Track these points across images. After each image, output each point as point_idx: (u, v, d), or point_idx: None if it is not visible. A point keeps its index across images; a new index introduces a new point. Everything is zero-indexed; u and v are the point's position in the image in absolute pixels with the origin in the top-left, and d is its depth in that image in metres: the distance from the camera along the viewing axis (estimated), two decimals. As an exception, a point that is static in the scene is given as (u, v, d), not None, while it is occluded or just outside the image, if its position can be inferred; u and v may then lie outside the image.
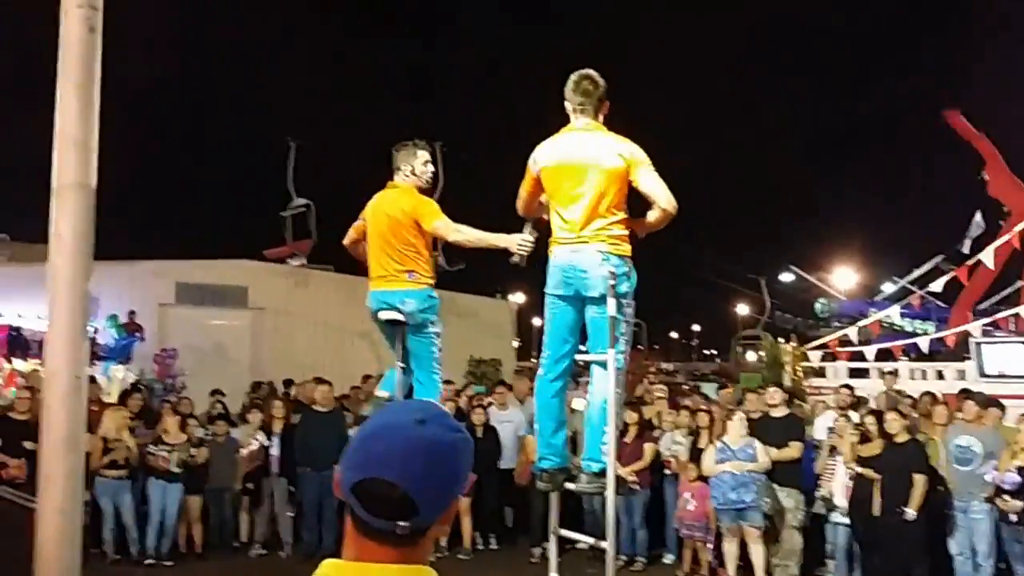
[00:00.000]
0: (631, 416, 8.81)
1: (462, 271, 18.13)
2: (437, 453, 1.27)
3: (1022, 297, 17.90)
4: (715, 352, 70.09)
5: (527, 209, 4.32)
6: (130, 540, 8.49)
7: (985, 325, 15.02)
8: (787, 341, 14.79)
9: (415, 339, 4.88)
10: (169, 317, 16.73)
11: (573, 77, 4.07)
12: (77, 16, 2.76)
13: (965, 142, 20.18)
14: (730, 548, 8.10)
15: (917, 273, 24.83)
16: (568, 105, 4.10)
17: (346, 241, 5.25)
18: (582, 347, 4.27)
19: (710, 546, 8.35)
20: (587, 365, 4.26)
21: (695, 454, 8.53)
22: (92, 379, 10.63)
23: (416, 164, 4.93)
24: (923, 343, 15.93)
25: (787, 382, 12.82)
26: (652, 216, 4.08)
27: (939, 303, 22.19)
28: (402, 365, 4.96)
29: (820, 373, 14.96)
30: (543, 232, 4.31)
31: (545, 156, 4.09)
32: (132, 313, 15.38)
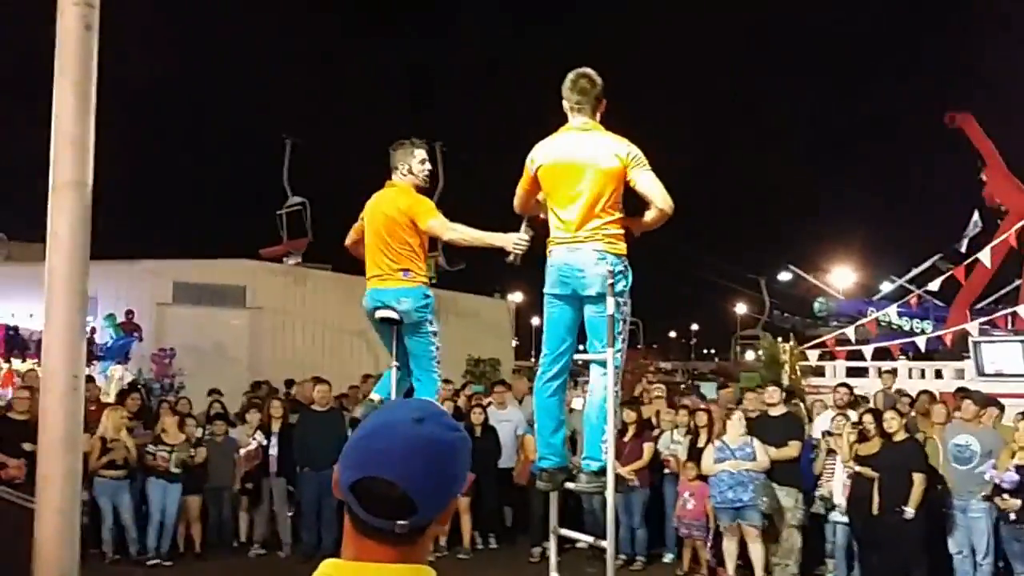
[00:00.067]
0: (630, 415, 8.81)
1: (462, 271, 18.14)
2: (435, 452, 1.27)
3: (1020, 296, 17.92)
4: (714, 351, 70.18)
5: (524, 207, 4.33)
6: (129, 540, 8.48)
7: (983, 324, 15.04)
8: (785, 340, 14.79)
9: (412, 338, 4.88)
10: (167, 317, 16.71)
11: (570, 75, 4.07)
12: (74, 14, 2.75)
13: (965, 142, 20.19)
14: (729, 547, 8.10)
15: (915, 272, 24.86)
16: (565, 104, 4.10)
17: (347, 242, 5.25)
18: (581, 346, 4.27)
19: (710, 545, 8.35)
20: (586, 364, 4.26)
21: (694, 453, 8.53)
22: (90, 379, 10.63)
23: (413, 163, 4.93)
24: (921, 342, 15.96)
25: (785, 381, 12.83)
26: (649, 216, 4.09)
27: (937, 302, 22.23)
28: (397, 364, 4.96)
29: (818, 372, 14.97)
30: (539, 231, 4.31)
31: (543, 155, 4.09)
32: (130, 313, 15.37)
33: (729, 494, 7.91)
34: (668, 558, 8.88)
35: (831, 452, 8.09)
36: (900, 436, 7.48)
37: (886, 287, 28.06)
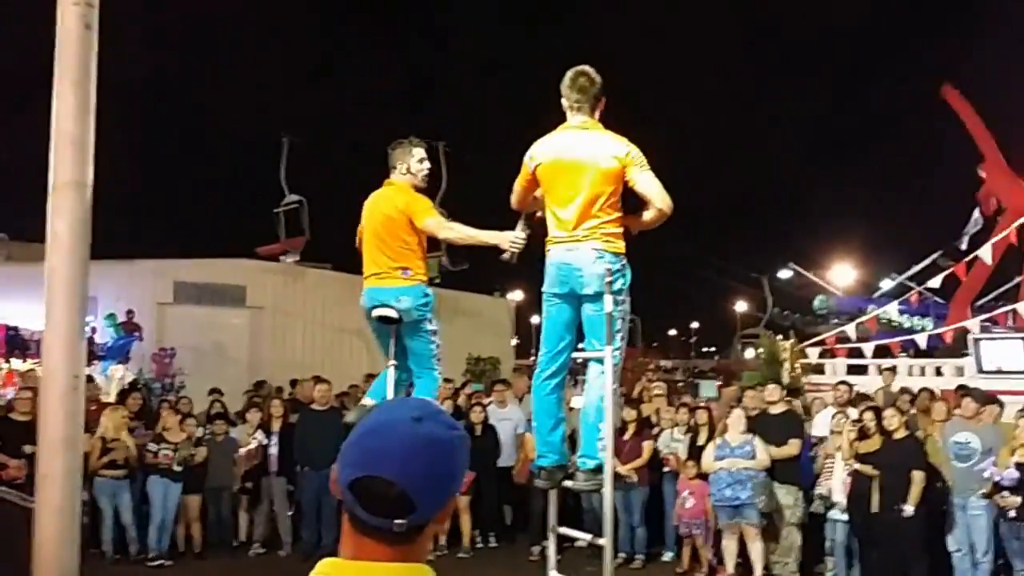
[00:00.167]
0: (630, 414, 8.82)
1: (464, 271, 18.13)
2: (434, 451, 1.27)
3: (1020, 293, 17.92)
4: (714, 349, 70.17)
5: (521, 204, 4.33)
6: (129, 540, 8.49)
7: (983, 321, 15.04)
8: (786, 338, 14.79)
9: (412, 337, 4.88)
10: (167, 316, 16.72)
11: (569, 74, 4.07)
12: (73, 13, 2.76)
13: (967, 137, 20.17)
14: (729, 545, 8.11)
15: (915, 269, 24.89)
16: (564, 102, 4.10)
17: (357, 243, 5.24)
18: (580, 345, 4.27)
19: (710, 543, 8.36)
20: (585, 362, 4.26)
21: (694, 452, 8.54)
22: (90, 379, 10.64)
23: (411, 162, 4.93)
24: (921, 339, 15.96)
25: (785, 379, 12.82)
26: (647, 215, 4.09)
27: (937, 299, 22.24)
28: (394, 363, 4.96)
29: (818, 370, 14.98)
30: (536, 230, 4.31)
31: (542, 153, 4.09)
32: (130, 312, 15.38)
33: (727, 492, 7.92)
34: (667, 556, 8.89)
35: (828, 452, 8.11)
36: (900, 434, 7.48)
37: (886, 284, 28.10)
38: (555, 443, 4.23)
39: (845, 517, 7.79)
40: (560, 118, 4.15)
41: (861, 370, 14.62)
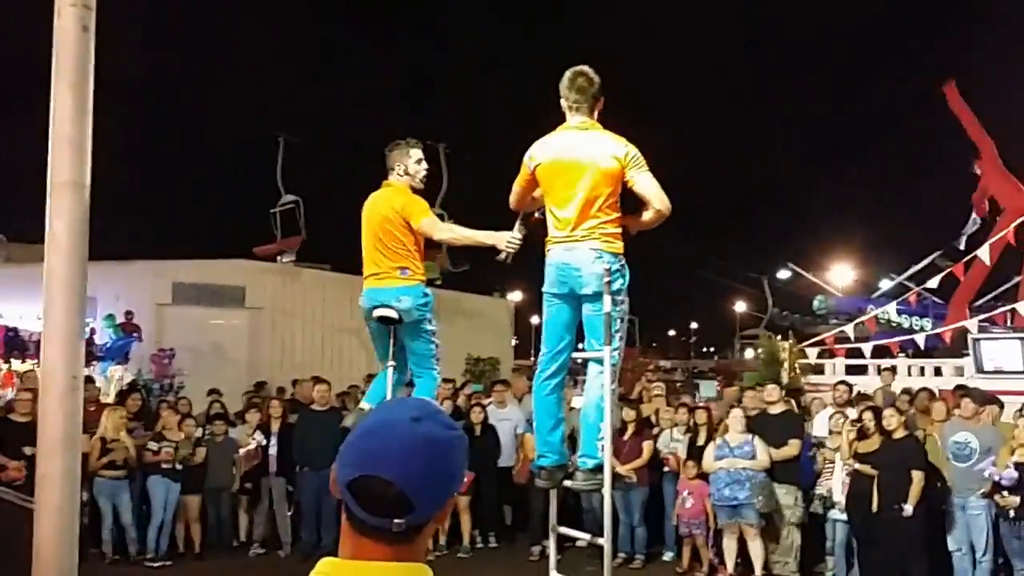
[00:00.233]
0: (629, 414, 8.83)
1: (464, 272, 18.13)
2: (433, 450, 1.27)
3: (1019, 293, 17.92)
4: (713, 349, 70.23)
5: (520, 203, 4.34)
6: (128, 540, 8.49)
7: (982, 321, 15.04)
8: (785, 339, 14.80)
9: (412, 337, 4.88)
10: (166, 317, 16.72)
11: (568, 74, 4.07)
12: (70, 15, 2.75)
13: (965, 136, 20.17)
14: (729, 545, 8.12)
15: (914, 270, 24.89)
16: (563, 102, 4.10)
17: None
18: (580, 345, 4.27)
19: (711, 543, 8.37)
20: (585, 362, 4.26)
21: (693, 451, 8.55)
22: (90, 379, 10.64)
23: (409, 163, 4.93)
24: (920, 339, 15.96)
25: (785, 379, 12.83)
26: (646, 216, 4.09)
27: (936, 299, 22.25)
28: (393, 364, 4.96)
29: (818, 370, 14.98)
30: (532, 230, 4.32)
31: (541, 153, 4.09)
32: (129, 313, 15.38)
33: (726, 492, 7.93)
34: (667, 556, 8.89)
35: (828, 459, 8.11)
36: (900, 434, 7.48)
37: (885, 284, 28.11)
38: (555, 443, 4.23)
39: (845, 517, 7.79)
40: (559, 118, 4.15)
41: (860, 370, 14.62)
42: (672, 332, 75.84)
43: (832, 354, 15.82)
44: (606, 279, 3.89)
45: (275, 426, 9.31)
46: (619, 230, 4.03)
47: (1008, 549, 7.17)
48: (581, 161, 3.96)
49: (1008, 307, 15.87)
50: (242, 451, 9.05)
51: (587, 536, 4.62)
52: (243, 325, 17.72)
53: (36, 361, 10.76)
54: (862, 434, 7.70)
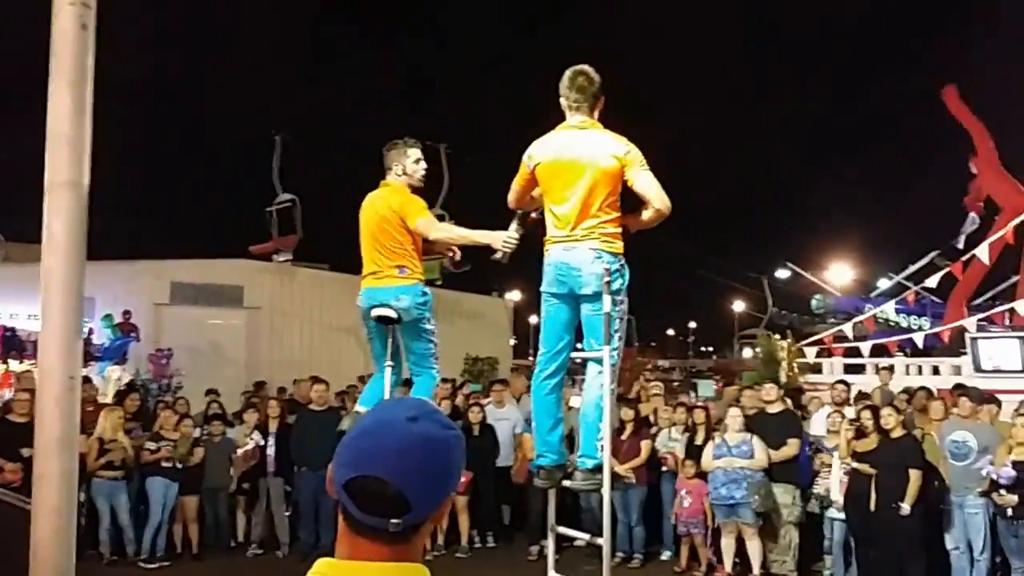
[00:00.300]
0: (627, 413, 8.83)
1: (465, 272, 18.14)
2: (429, 450, 1.27)
3: (1017, 292, 17.93)
4: (712, 349, 70.28)
5: (518, 203, 4.33)
6: (126, 540, 8.48)
7: (980, 320, 15.05)
8: (783, 338, 14.81)
9: (411, 336, 4.87)
10: (164, 317, 16.72)
11: (568, 73, 4.06)
12: (69, 13, 2.74)
13: (964, 136, 20.18)
14: (727, 544, 8.13)
15: (912, 269, 24.89)
16: (563, 101, 4.09)
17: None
18: (579, 344, 4.27)
19: (709, 542, 8.37)
20: (584, 362, 4.26)
21: (692, 451, 8.55)
22: (87, 380, 10.63)
23: (407, 163, 4.92)
24: (918, 339, 15.98)
25: (783, 378, 12.84)
26: (646, 215, 4.08)
27: (934, 299, 22.25)
28: (391, 363, 4.95)
29: (816, 369, 14.99)
30: (529, 230, 4.31)
31: (540, 153, 4.09)
32: (127, 313, 15.37)
33: (723, 491, 7.95)
34: (666, 556, 8.90)
35: (825, 461, 8.11)
36: (897, 432, 7.49)
37: (883, 284, 28.12)
38: (554, 443, 4.22)
39: (843, 516, 7.80)
40: (560, 118, 4.14)
41: (859, 369, 14.64)
42: (671, 331, 75.92)
43: (830, 353, 15.84)
44: (606, 279, 3.88)
45: (273, 426, 9.30)
46: (619, 229, 4.02)
47: (1005, 547, 7.18)
48: (581, 160, 3.96)
49: (1006, 306, 15.88)
50: (240, 451, 9.05)
51: (586, 536, 4.62)
52: (241, 325, 17.73)
53: (34, 361, 10.75)
54: (860, 433, 7.71)
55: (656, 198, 4.00)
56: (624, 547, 8.67)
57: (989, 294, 21.42)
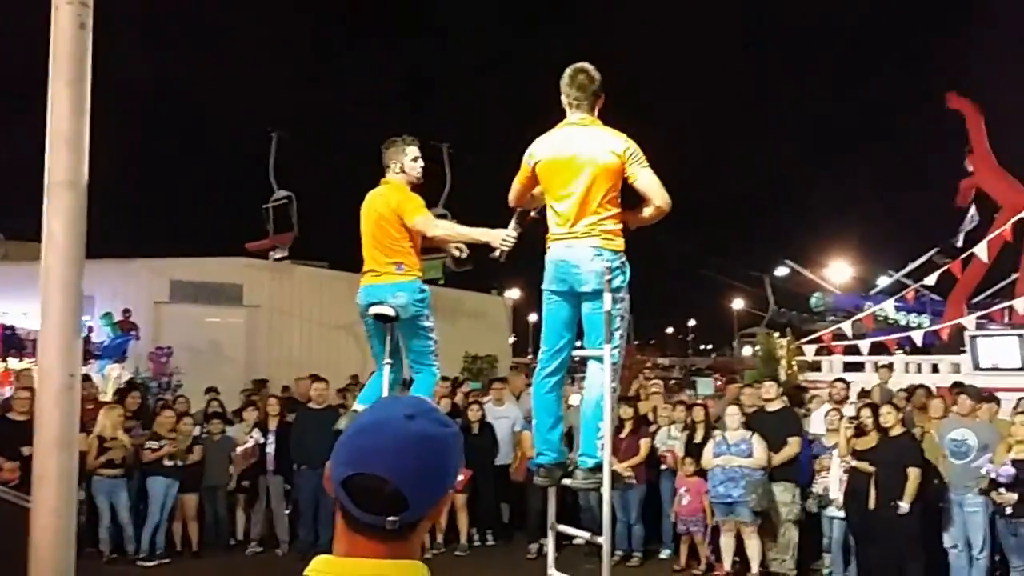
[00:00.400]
0: (626, 412, 8.83)
1: (467, 271, 18.13)
2: (427, 448, 1.27)
3: (1016, 290, 17.94)
4: (711, 347, 70.32)
5: (519, 201, 4.33)
6: (126, 538, 8.48)
7: (979, 318, 15.06)
8: (783, 336, 14.81)
9: (409, 333, 4.86)
10: (164, 315, 16.73)
11: (568, 71, 4.06)
12: (67, 12, 2.75)
13: (963, 139, 20.18)
14: (726, 542, 8.13)
15: (912, 267, 24.91)
16: (564, 99, 4.09)
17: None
18: (579, 343, 4.26)
19: (708, 540, 8.38)
20: (584, 361, 4.26)
21: (691, 449, 8.55)
22: (87, 378, 10.63)
23: (405, 161, 4.91)
24: (917, 336, 15.98)
25: (782, 376, 12.85)
26: (646, 212, 4.08)
27: (933, 296, 22.26)
28: (389, 361, 4.95)
29: (815, 367, 14.99)
30: (528, 229, 4.31)
31: (541, 151, 4.08)
32: (127, 311, 15.38)
33: (721, 489, 7.96)
34: (665, 554, 8.90)
35: (824, 464, 8.12)
36: (897, 431, 7.49)
37: (883, 282, 28.13)
38: (554, 441, 4.22)
39: (842, 514, 7.80)
40: (560, 116, 4.14)
41: (858, 367, 14.64)
42: (670, 329, 75.96)
43: (829, 351, 15.84)
44: (607, 277, 3.88)
45: (273, 424, 9.30)
46: (619, 226, 4.01)
47: (1004, 546, 7.18)
48: (580, 156, 3.95)
49: (1005, 304, 15.88)
50: (239, 449, 9.05)
51: (585, 534, 4.62)
52: (240, 323, 17.74)
53: (34, 360, 10.75)
54: (859, 431, 7.72)
55: (657, 195, 3.99)
56: (623, 545, 8.68)
57: (988, 292, 21.42)
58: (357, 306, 4.94)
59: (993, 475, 6.98)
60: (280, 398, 10.41)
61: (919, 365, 14.09)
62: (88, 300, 13.17)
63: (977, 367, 12.34)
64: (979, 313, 16.02)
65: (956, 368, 13.01)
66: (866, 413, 7.74)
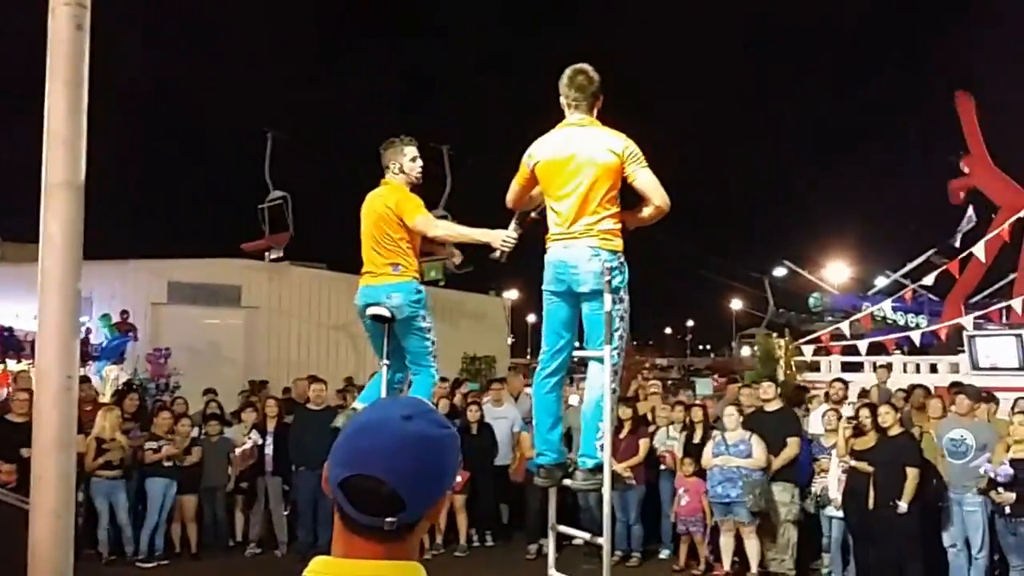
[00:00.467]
0: (625, 412, 8.83)
1: (468, 272, 18.13)
2: (424, 449, 1.27)
3: (1014, 290, 17.96)
4: (709, 347, 70.39)
5: (516, 202, 4.32)
6: (125, 540, 8.47)
7: (977, 318, 15.08)
8: (781, 336, 14.81)
9: (406, 334, 4.84)
10: (162, 316, 16.70)
11: (567, 72, 4.06)
12: (64, 14, 2.74)
13: (959, 134, 20.23)
14: (726, 542, 8.13)
15: (910, 267, 24.96)
16: (563, 100, 4.09)
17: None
18: (578, 344, 4.26)
19: (708, 540, 8.38)
20: (583, 361, 4.25)
21: (690, 449, 8.55)
22: (85, 379, 10.63)
23: (404, 161, 4.90)
24: (916, 337, 16.00)
25: (781, 376, 12.84)
26: (645, 212, 4.07)
27: (931, 297, 22.30)
28: (387, 363, 4.94)
29: (814, 367, 15.00)
30: (529, 229, 4.30)
31: (540, 152, 4.08)
32: (125, 313, 15.36)
33: (719, 489, 7.97)
34: (664, 554, 8.90)
35: (823, 466, 8.13)
36: (895, 431, 7.49)
37: (881, 282, 28.17)
38: (554, 441, 4.22)
39: (841, 514, 7.80)
40: (560, 117, 4.14)
41: (856, 367, 14.65)
42: (668, 330, 76.03)
43: (828, 351, 15.85)
44: (605, 278, 3.87)
45: (271, 425, 9.30)
46: (618, 226, 4.00)
47: (1003, 545, 7.18)
48: (580, 156, 3.95)
49: (1003, 304, 15.89)
50: (238, 451, 9.04)
51: (585, 535, 4.62)
52: (239, 324, 17.71)
53: (32, 361, 10.74)
54: (858, 431, 7.72)
55: (656, 195, 3.99)
56: (622, 546, 8.67)
57: (986, 292, 21.46)
58: (355, 307, 4.94)
59: (991, 474, 6.98)
60: (278, 399, 10.40)
61: (917, 365, 14.10)
62: (86, 301, 13.16)
63: (975, 367, 12.35)
64: (977, 313, 16.05)
65: (954, 368, 13.02)
66: (865, 413, 7.74)
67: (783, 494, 8.08)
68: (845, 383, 9.85)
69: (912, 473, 7.16)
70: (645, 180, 3.97)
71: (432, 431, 1.29)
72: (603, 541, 3.99)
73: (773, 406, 8.60)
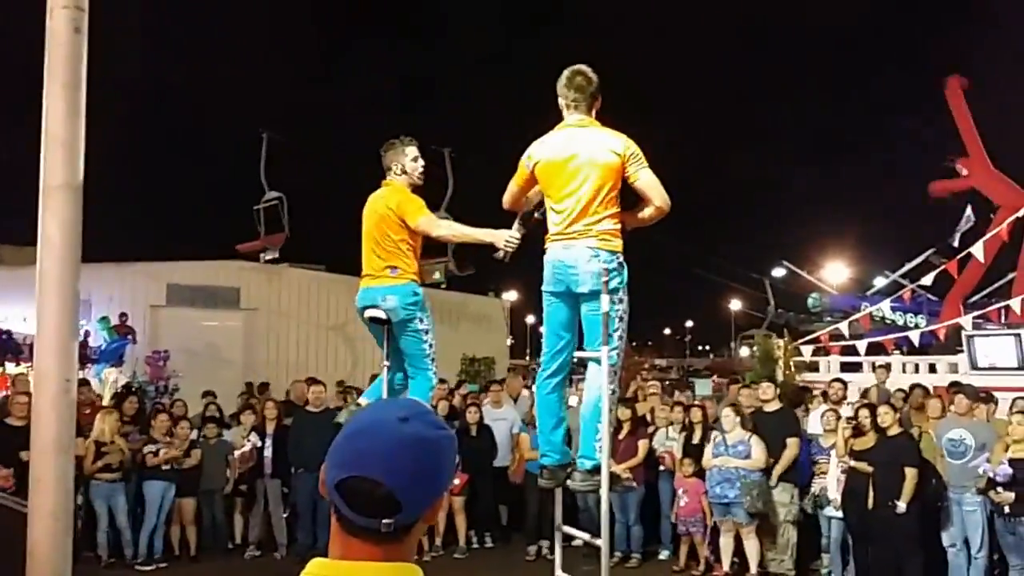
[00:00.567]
0: (624, 413, 8.82)
1: (469, 275, 18.13)
2: (420, 450, 1.27)
3: (1013, 290, 17.99)
4: (708, 348, 70.42)
5: (514, 203, 4.31)
6: (124, 543, 8.46)
7: (976, 318, 15.08)
8: (780, 336, 14.82)
9: (403, 336, 4.82)
10: (161, 319, 16.70)
11: (566, 73, 4.05)
12: (62, 17, 2.75)
13: (957, 135, 20.26)
14: (725, 542, 8.13)
15: (908, 267, 25.00)
16: (561, 101, 4.09)
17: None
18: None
19: (707, 540, 8.38)
20: (583, 362, 4.25)
21: (689, 450, 8.55)
22: (84, 382, 10.61)
23: (405, 161, 4.88)
24: (914, 336, 16.00)
25: (780, 377, 12.84)
26: (645, 212, 4.07)
27: (930, 297, 22.33)
28: (387, 364, 4.93)
29: (813, 368, 15.00)
30: (531, 230, 4.30)
31: (539, 152, 4.08)
32: (123, 315, 15.35)
33: (717, 490, 7.97)
34: (664, 555, 8.89)
35: (822, 468, 8.12)
36: (894, 431, 7.49)
37: (879, 282, 28.21)
38: (557, 442, 4.21)
39: (840, 514, 7.80)
40: (559, 118, 4.14)
41: (855, 367, 14.65)
42: (667, 330, 76.06)
43: (827, 352, 15.85)
44: (604, 278, 3.87)
45: (270, 428, 9.29)
46: (618, 227, 3.99)
47: (1003, 545, 7.18)
48: (580, 156, 3.95)
49: (1002, 303, 15.91)
50: (237, 453, 9.03)
51: (584, 536, 4.61)
52: (238, 326, 17.71)
53: (30, 364, 10.72)
54: (857, 431, 7.72)
55: (657, 196, 3.98)
56: (622, 546, 8.67)
57: (985, 291, 21.48)
58: (355, 309, 4.94)
59: (990, 474, 6.99)
60: (277, 402, 10.39)
61: (916, 365, 14.10)
62: (84, 304, 13.15)
63: (974, 367, 12.35)
64: (976, 313, 16.06)
65: (953, 368, 13.02)
66: (864, 413, 7.74)
67: (782, 494, 8.07)
68: (844, 383, 9.85)
69: (911, 473, 7.17)
70: (646, 180, 3.97)
71: (429, 432, 1.29)
72: (601, 542, 3.98)
73: (772, 406, 8.60)
